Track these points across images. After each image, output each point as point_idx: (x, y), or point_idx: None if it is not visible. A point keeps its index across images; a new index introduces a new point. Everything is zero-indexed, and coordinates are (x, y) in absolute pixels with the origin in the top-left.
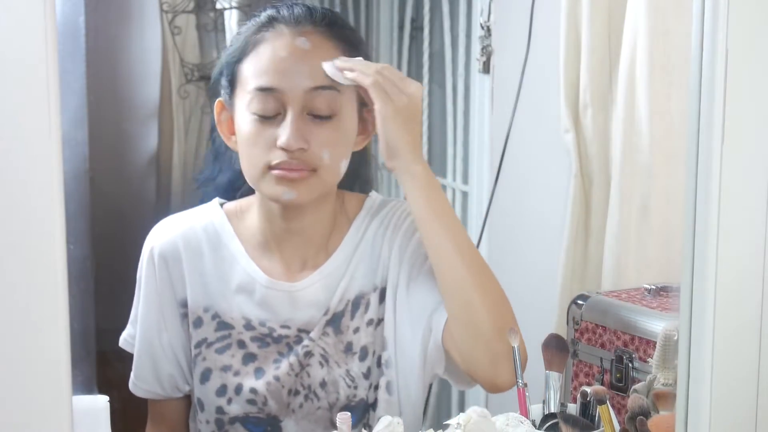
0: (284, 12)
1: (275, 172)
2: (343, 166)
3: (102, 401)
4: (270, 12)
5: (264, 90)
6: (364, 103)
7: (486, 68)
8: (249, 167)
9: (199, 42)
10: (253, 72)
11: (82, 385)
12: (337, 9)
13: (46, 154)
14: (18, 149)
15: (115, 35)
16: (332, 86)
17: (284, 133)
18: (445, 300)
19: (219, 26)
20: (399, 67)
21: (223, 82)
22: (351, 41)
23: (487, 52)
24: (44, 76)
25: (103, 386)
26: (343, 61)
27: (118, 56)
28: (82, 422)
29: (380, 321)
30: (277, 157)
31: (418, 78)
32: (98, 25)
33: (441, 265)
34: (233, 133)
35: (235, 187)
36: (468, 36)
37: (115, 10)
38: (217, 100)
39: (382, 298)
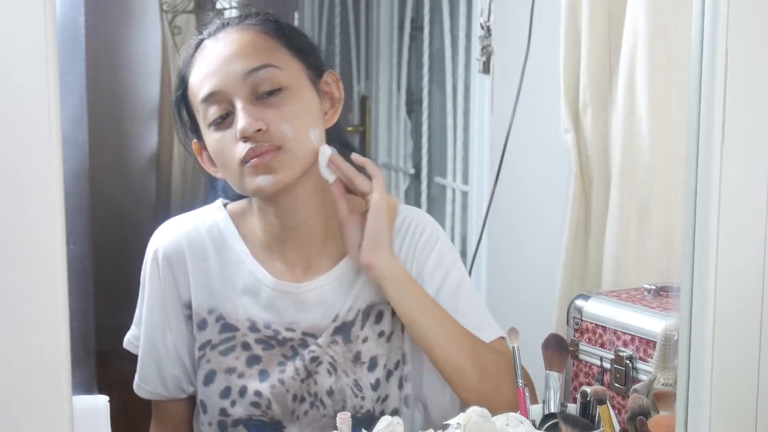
0: (204, 32)
1: (247, 164)
2: (314, 136)
3: (102, 401)
4: (195, 39)
5: (208, 98)
6: (318, 77)
7: (486, 68)
8: (229, 175)
9: None
10: (195, 91)
11: (82, 385)
12: (337, 10)
13: (46, 154)
14: (18, 149)
15: (115, 35)
16: (267, 64)
17: (239, 123)
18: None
19: None
20: (399, 67)
21: (186, 120)
22: (273, 25)
23: (487, 52)
24: (44, 76)
25: (103, 386)
26: (335, 158)
27: (118, 56)
28: (82, 422)
29: (392, 333)
30: (243, 149)
31: (418, 78)
32: (98, 25)
33: (430, 354)
34: (214, 164)
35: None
36: (468, 36)
37: (115, 10)
38: (193, 141)
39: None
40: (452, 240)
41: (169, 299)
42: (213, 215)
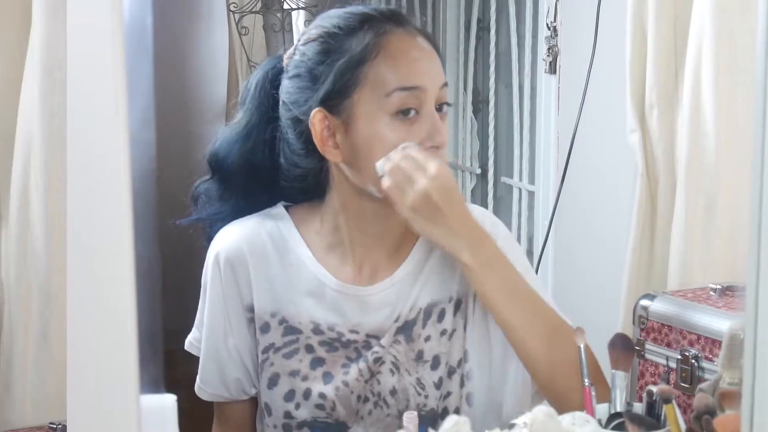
0: (386, 13)
1: None
2: None
3: (169, 400)
4: (375, 13)
5: (408, 89)
6: None
7: (552, 68)
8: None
9: (266, 42)
10: (390, 72)
11: (150, 385)
12: (404, 10)
13: (114, 155)
14: (87, 150)
15: (182, 35)
16: (446, 82)
17: (434, 130)
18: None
19: (286, 27)
20: (465, 67)
21: (329, 90)
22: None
23: (553, 53)
24: (111, 77)
25: (170, 385)
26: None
27: (185, 56)
28: (149, 421)
29: (454, 331)
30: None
31: (485, 78)
32: (166, 25)
33: (514, 344)
34: (337, 145)
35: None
36: (534, 36)
37: (182, 11)
38: (316, 109)
39: (457, 309)
40: (519, 239)
41: (230, 303)
42: (274, 219)
